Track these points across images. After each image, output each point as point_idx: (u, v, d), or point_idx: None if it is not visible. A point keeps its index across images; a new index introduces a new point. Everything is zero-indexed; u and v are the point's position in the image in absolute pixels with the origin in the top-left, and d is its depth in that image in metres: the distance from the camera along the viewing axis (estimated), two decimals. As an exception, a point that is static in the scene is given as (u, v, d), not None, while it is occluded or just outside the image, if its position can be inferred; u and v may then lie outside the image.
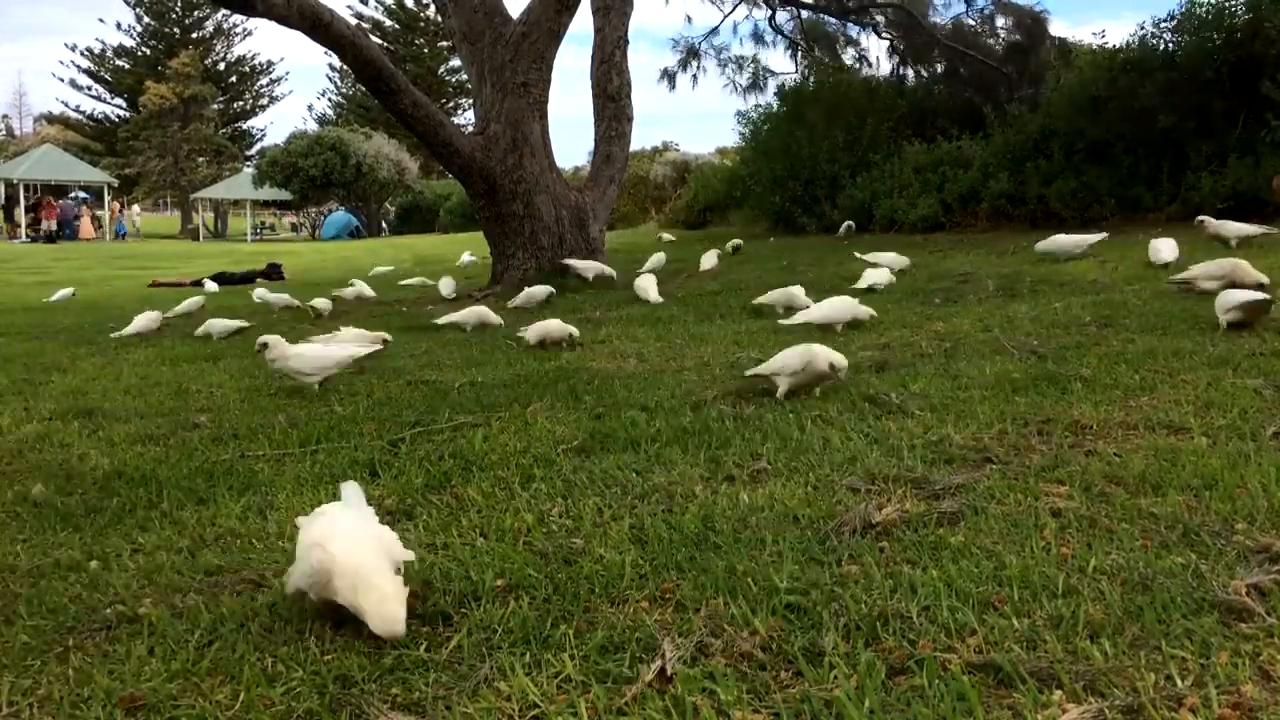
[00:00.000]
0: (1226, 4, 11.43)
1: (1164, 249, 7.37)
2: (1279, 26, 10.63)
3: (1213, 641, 1.79)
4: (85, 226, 36.33)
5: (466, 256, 15.32)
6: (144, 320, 7.69)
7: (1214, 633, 1.82)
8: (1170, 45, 11.91)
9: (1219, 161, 10.80)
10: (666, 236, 16.75)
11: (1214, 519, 2.35)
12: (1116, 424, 3.24)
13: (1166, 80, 11.25)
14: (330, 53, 10.52)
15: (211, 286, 13.18)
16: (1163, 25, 12.12)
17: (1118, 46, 12.96)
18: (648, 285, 8.18)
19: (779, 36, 18.76)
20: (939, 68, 17.05)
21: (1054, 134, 12.64)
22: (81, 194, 39.07)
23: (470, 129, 11.15)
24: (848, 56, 18.79)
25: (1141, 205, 11.39)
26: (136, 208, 46.83)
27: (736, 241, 12.76)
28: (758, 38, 19.01)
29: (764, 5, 18.24)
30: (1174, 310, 5.33)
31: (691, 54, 19.26)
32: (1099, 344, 4.60)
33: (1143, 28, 12.47)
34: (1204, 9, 11.60)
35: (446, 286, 9.92)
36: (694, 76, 19.40)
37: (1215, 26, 11.31)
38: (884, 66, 18.46)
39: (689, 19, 18.10)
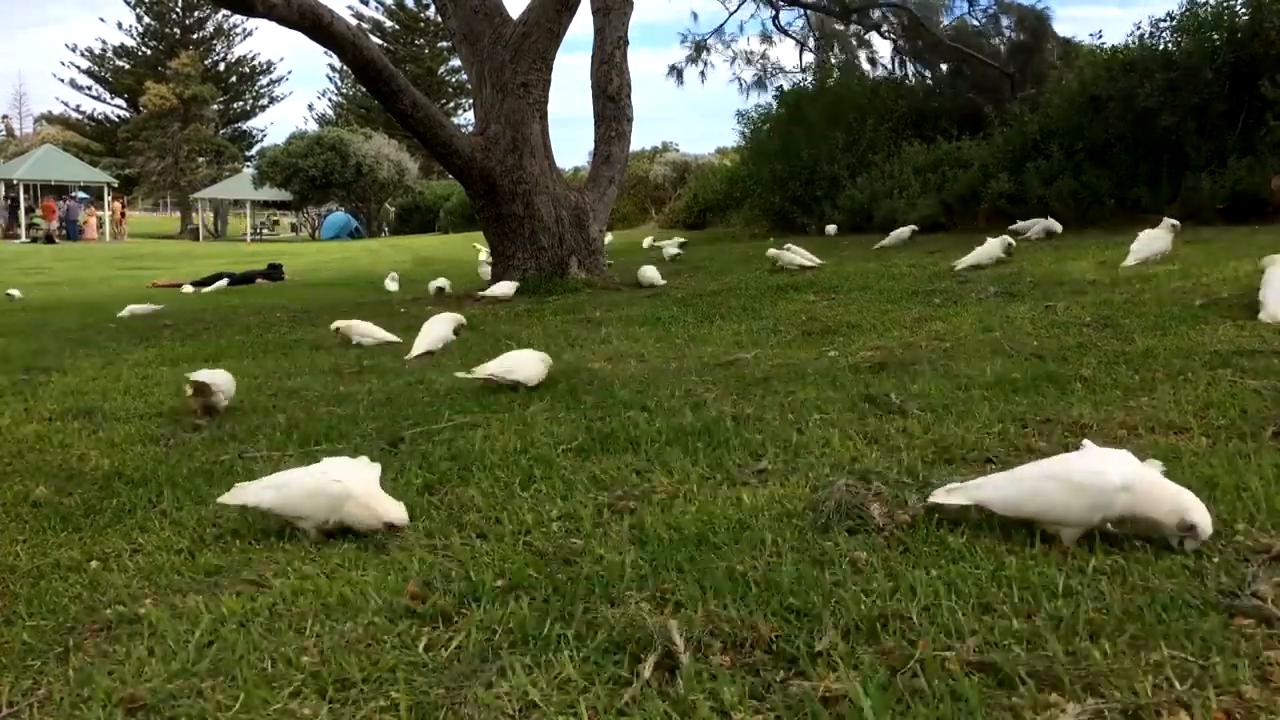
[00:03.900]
0: (1227, 4, 11.43)
1: (1140, 249, 7.29)
2: (1279, 27, 10.63)
3: (1212, 641, 1.79)
4: (90, 227, 36.37)
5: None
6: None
7: (1214, 633, 1.82)
8: (1170, 45, 11.91)
9: (1219, 162, 10.80)
10: (662, 241, 16.58)
11: (1214, 519, 2.35)
12: (1116, 424, 3.24)
13: (1166, 80, 11.25)
14: (330, 53, 10.53)
15: (187, 289, 13.57)
16: (1163, 25, 12.13)
17: (1117, 47, 12.97)
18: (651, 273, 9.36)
19: (784, 36, 18.88)
20: (943, 69, 17.10)
21: (1054, 134, 12.65)
22: (83, 194, 39.07)
23: (470, 129, 11.15)
24: (858, 56, 18.92)
25: (1141, 205, 11.38)
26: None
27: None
28: (764, 37, 19.16)
29: (767, 4, 18.30)
30: (1174, 310, 5.33)
31: (700, 49, 19.32)
32: (1099, 344, 4.60)
33: (1140, 27, 12.51)
34: (1204, 9, 11.60)
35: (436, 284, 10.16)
36: (701, 73, 19.49)
37: (1215, 27, 11.31)
38: (889, 67, 18.57)
39: (695, 16, 17.97)
